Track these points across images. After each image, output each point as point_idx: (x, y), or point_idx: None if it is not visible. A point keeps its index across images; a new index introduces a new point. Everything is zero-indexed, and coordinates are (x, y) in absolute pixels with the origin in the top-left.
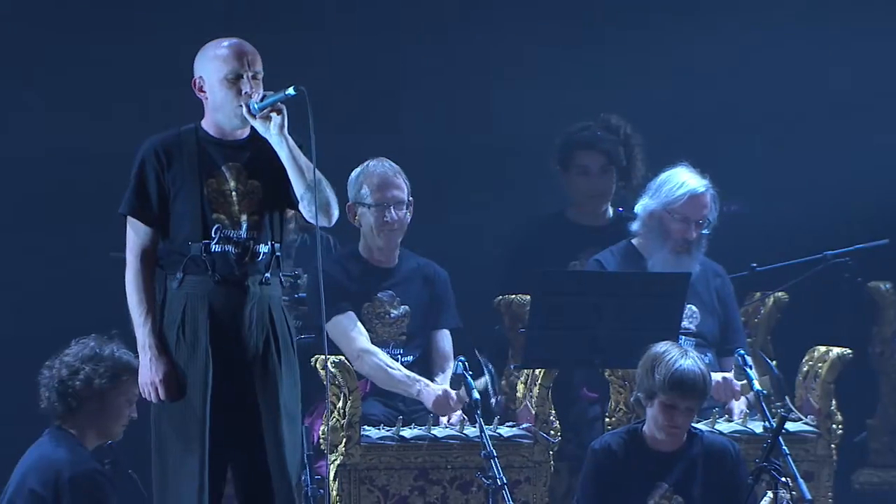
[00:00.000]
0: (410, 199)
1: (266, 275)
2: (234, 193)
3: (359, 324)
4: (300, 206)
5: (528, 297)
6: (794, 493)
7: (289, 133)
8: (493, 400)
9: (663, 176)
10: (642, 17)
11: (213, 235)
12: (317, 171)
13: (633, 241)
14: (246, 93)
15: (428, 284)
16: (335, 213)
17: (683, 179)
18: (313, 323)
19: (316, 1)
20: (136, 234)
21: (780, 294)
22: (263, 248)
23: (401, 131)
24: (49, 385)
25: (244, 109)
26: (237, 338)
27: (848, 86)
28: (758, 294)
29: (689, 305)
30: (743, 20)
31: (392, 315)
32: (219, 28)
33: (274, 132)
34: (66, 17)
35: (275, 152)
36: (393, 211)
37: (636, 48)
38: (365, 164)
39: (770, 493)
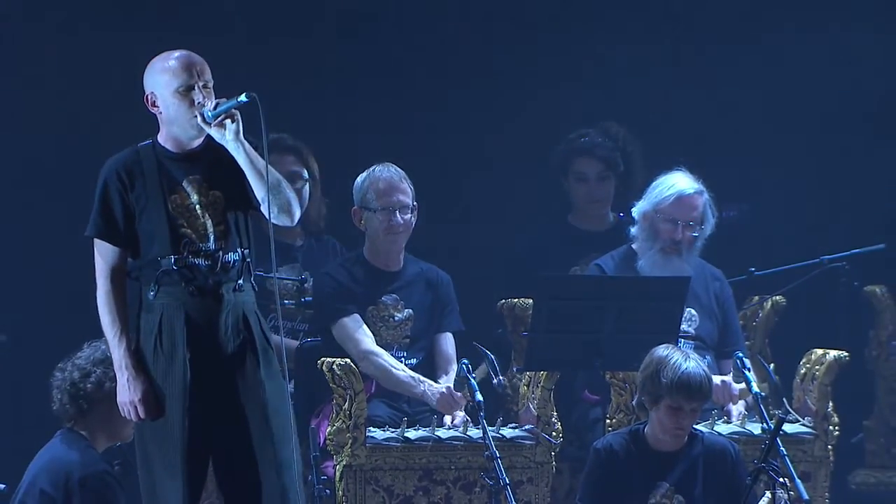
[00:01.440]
0: (415, 203)
1: (239, 281)
2: (197, 206)
3: (364, 326)
4: (262, 209)
5: (531, 300)
6: (791, 493)
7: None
8: (495, 381)
9: (659, 179)
10: (644, 21)
11: (182, 250)
12: (276, 173)
13: (633, 245)
14: (199, 102)
15: (431, 288)
16: (297, 213)
17: (674, 182)
18: (319, 326)
19: (316, 5)
20: (103, 255)
21: (778, 298)
22: (233, 256)
23: (403, 135)
24: (61, 387)
25: (199, 118)
26: (214, 345)
27: (846, 91)
28: (756, 298)
29: (688, 309)
30: (741, 26)
31: (396, 318)
32: (219, 32)
33: (230, 138)
34: (96, 13)
35: (231, 159)
36: (398, 215)
37: (638, 53)
38: (371, 168)
39: (768, 494)
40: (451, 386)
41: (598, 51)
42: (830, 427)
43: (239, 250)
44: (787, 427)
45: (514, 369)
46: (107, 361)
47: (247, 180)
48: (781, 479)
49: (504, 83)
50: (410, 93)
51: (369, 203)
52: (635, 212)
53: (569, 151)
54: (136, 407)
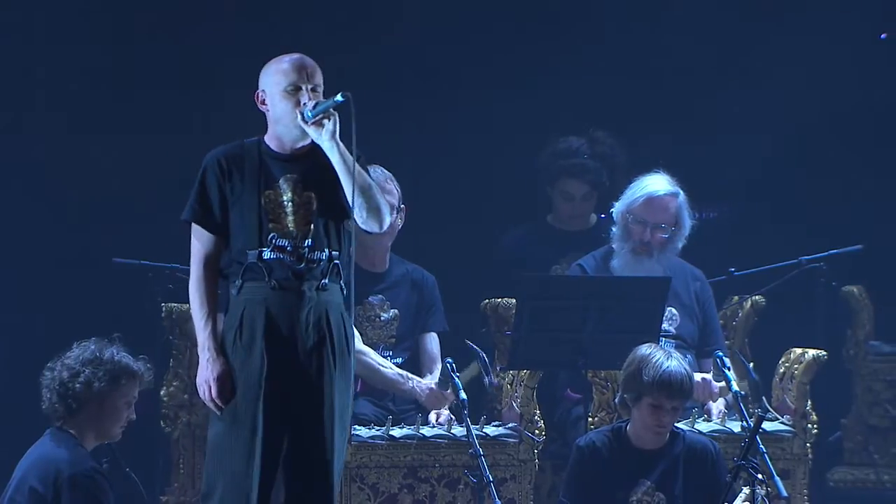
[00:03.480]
0: (402, 205)
1: (323, 281)
2: (290, 204)
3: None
4: (354, 213)
5: (514, 300)
6: (770, 490)
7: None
8: (486, 380)
9: (635, 181)
10: (630, 25)
11: (269, 243)
12: (367, 177)
13: (613, 244)
14: (304, 103)
15: (416, 289)
16: (386, 219)
17: (647, 183)
18: None
19: (301, 8)
20: (199, 240)
21: (757, 298)
22: (320, 255)
23: (387, 136)
24: (50, 387)
25: (299, 117)
26: (292, 341)
27: (825, 94)
28: (736, 298)
29: (669, 308)
30: (730, 31)
31: (382, 318)
32: (213, 34)
33: (325, 138)
34: (75, 25)
35: (331, 166)
36: None
37: (622, 56)
38: None
39: (745, 489)
40: (437, 384)
41: (582, 53)
42: (809, 425)
43: (327, 251)
44: (767, 425)
45: (498, 368)
46: (95, 362)
47: (341, 189)
48: (761, 477)
49: (487, 85)
50: (395, 94)
51: None
52: (613, 212)
53: (557, 169)
54: (210, 386)
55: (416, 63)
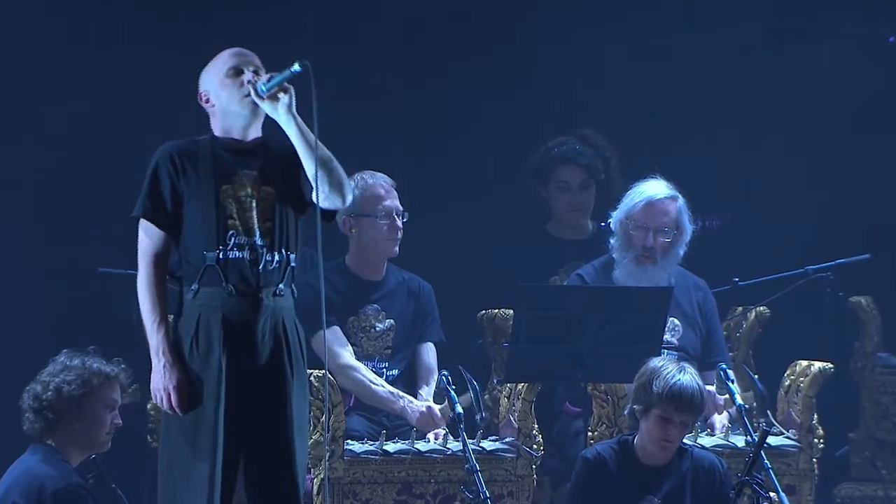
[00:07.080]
0: (406, 213)
1: (280, 286)
2: (250, 200)
3: (343, 339)
4: (313, 194)
5: (511, 311)
6: None
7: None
8: (477, 417)
9: (633, 187)
10: (622, 27)
11: (227, 242)
12: (327, 150)
13: (614, 254)
14: (249, 81)
15: (413, 298)
16: (349, 194)
17: (645, 188)
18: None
19: (294, 12)
20: (149, 237)
21: (762, 308)
22: (277, 256)
23: (383, 144)
24: (27, 405)
25: (252, 92)
26: (250, 349)
27: (830, 100)
28: (740, 308)
29: (671, 319)
30: (725, 33)
31: (377, 329)
32: (205, 38)
33: (282, 112)
34: (66, 33)
35: (286, 156)
36: (396, 219)
37: (619, 60)
38: (356, 177)
39: None
40: (432, 402)
41: (579, 60)
42: (815, 440)
43: (283, 252)
44: (772, 440)
45: (495, 381)
46: (66, 371)
47: (301, 177)
48: (766, 493)
49: (486, 92)
50: (391, 102)
51: (367, 210)
52: (612, 221)
53: (550, 160)
54: (168, 394)
55: (415, 66)
